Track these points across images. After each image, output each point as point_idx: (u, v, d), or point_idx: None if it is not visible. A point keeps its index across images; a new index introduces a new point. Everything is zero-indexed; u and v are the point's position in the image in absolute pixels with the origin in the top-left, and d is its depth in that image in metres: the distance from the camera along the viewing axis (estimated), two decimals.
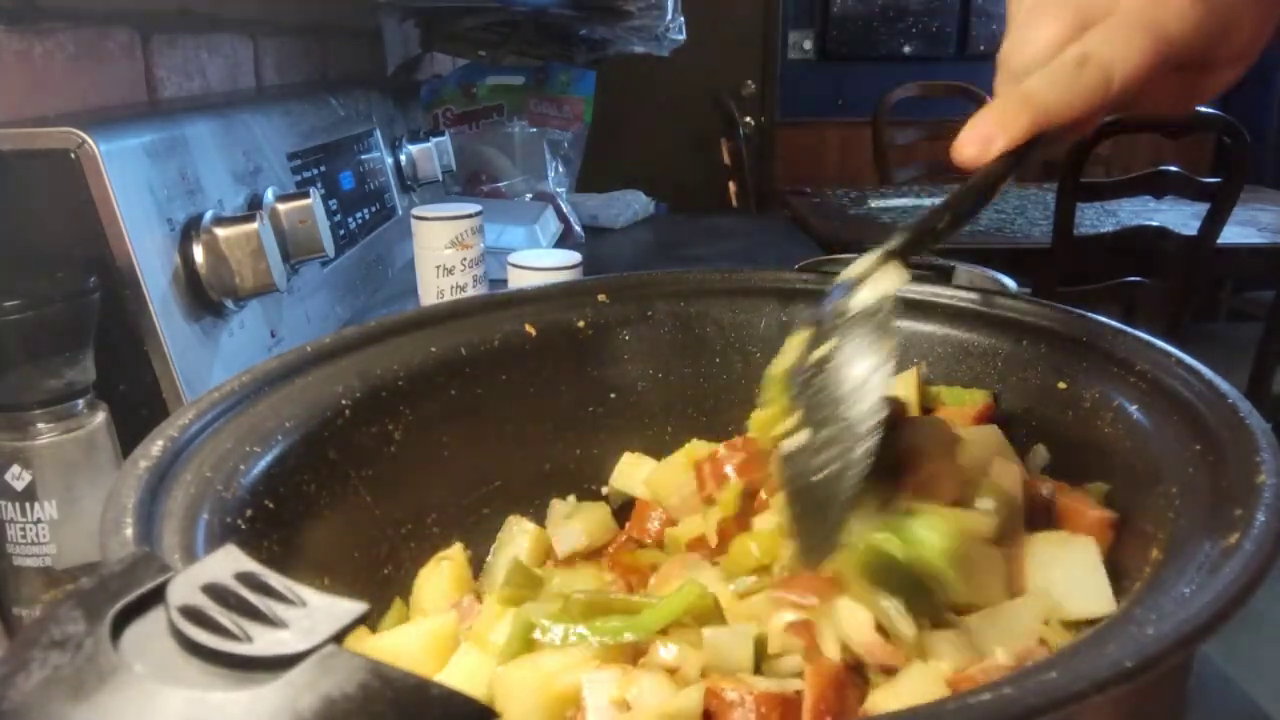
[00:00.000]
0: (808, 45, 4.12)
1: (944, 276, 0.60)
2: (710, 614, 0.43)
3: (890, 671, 0.40)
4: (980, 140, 0.44)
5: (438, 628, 0.46)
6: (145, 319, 0.68)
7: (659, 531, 0.57)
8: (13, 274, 0.60)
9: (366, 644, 0.45)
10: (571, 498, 0.62)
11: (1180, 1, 0.45)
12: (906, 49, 4.12)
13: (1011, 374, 0.56)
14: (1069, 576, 0.43)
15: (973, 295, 0.58)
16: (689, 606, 0.42)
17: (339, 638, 0.22)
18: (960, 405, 0.56)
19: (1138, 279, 2.17)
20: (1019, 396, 0.55)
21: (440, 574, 0.52)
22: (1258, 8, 0.47)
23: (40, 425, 0.59)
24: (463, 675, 0.43)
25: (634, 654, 0.42)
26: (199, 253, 0.75)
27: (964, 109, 3.59)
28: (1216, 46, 0.47)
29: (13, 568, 0.60)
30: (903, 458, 0.46)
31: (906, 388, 0.57)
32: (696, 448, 0.60)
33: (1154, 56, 0.44)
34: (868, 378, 0.41)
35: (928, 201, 2.72)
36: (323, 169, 1.11)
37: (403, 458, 0.55)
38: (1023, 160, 0.45)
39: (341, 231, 1.13)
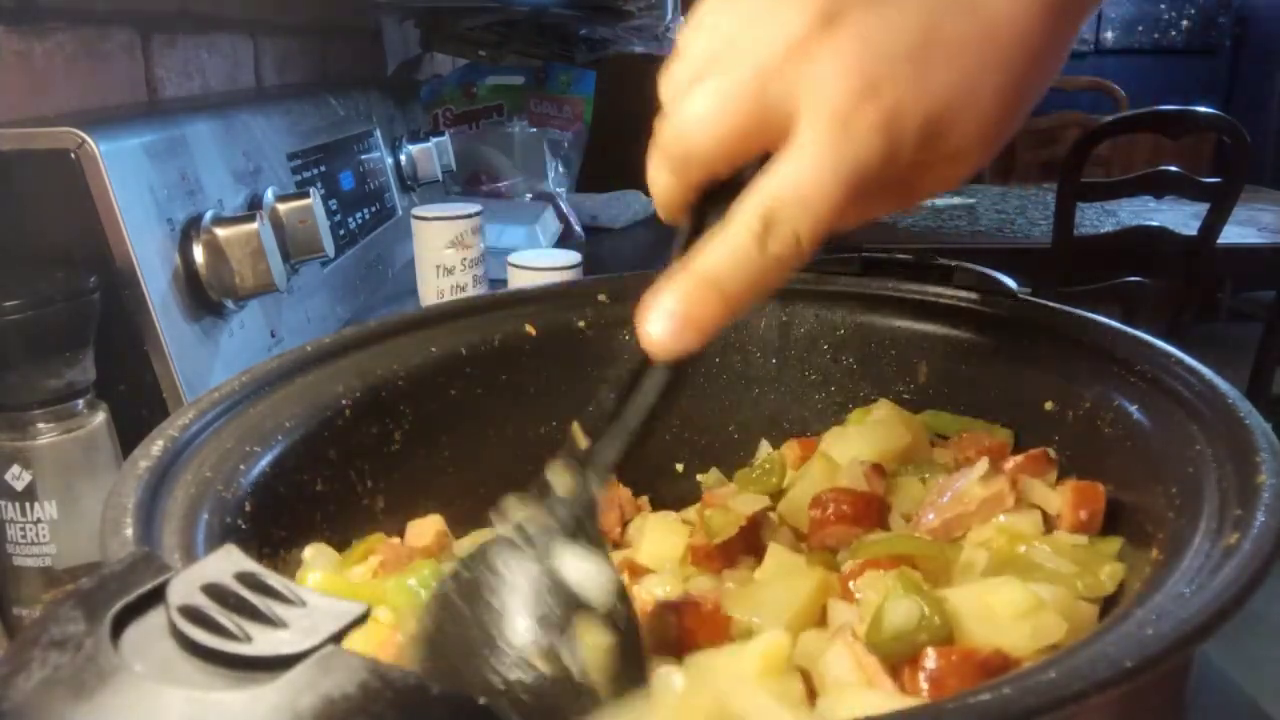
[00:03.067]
0: None
1: (944, 276, 0.60)
2: None
3: None
4: (671, 335, 0.37)
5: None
6: (145, 319, 0.68)
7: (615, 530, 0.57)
8: (13, 274, 0.60)
9: None
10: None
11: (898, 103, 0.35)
12: None
13: (1012, 374, 0.56)
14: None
15: (973, 295, 0.58)
16: None
17: (339, 638, 0.22)
18: (979, 438, 0.54)
19: (1138, 279, 2.16)
20: (1019, 397, 0.55)
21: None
22: (998, 82, 0.37)
23: (40, 425, 0.59)
24: None
25: None
26: (199, 253, 0.75)
27: None
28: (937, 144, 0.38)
29: (13, 568, 0.60)
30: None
31: (902, 426, 0.56)
32: None
33: (854, 197, 0.36)
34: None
35: (927, 202, 2.72)
36: (323, 169, 1.11)
37: (403, 458, 0.55)
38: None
39: (341, 231, 1.13)
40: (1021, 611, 0.38)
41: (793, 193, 0.36)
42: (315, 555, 0.47)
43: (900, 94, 0.36)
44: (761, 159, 0.37)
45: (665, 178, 0.40)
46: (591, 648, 0.34)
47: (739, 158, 0.38)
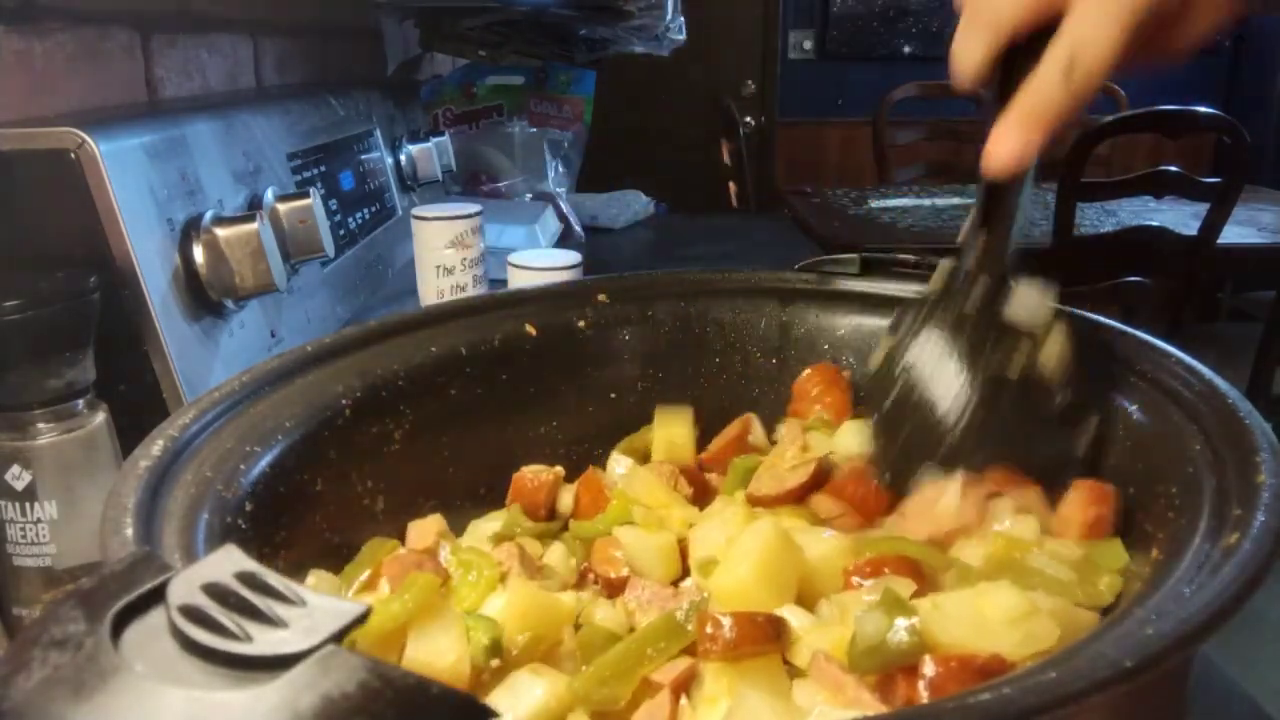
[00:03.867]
0: (808, 45, 4.12)
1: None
2: None
3: None
4: (1012, 156, 0.49)
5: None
6: (145, 319, 0.68)
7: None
8: (13, 274, 0.60)
9: None
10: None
11: None
12: (906, 49, 4.12)
13: None
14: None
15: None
16: None
17: (339, 637, 0.22)
18: None
19: (1138, 279, 2.16)
20: None
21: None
22: None
23: (40, 425, 0.59)
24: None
25: None
26: (199, 253, 0.75)
27: (964, 109, 3.58)
28: None
29: (13, 568, 0.60)
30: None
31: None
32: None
33: (1133, 35, 0.45)
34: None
35: (927, 202, 2.72)
36: (323, 169, 1.11)
37: (403, 457, 0.55)
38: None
39: (341, 231, 1.13)
40: (1014, 617, 0.38)
41: (1088, 34, 0.46)
42: (318, 584, 0.47)
43: None
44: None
45: (976, 45, 0.49)
46: (1051, 352, 0.50)
47: (1039, 21, 0.47)
